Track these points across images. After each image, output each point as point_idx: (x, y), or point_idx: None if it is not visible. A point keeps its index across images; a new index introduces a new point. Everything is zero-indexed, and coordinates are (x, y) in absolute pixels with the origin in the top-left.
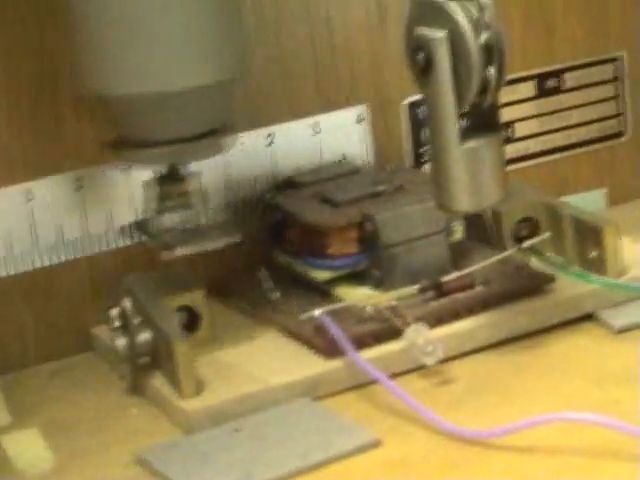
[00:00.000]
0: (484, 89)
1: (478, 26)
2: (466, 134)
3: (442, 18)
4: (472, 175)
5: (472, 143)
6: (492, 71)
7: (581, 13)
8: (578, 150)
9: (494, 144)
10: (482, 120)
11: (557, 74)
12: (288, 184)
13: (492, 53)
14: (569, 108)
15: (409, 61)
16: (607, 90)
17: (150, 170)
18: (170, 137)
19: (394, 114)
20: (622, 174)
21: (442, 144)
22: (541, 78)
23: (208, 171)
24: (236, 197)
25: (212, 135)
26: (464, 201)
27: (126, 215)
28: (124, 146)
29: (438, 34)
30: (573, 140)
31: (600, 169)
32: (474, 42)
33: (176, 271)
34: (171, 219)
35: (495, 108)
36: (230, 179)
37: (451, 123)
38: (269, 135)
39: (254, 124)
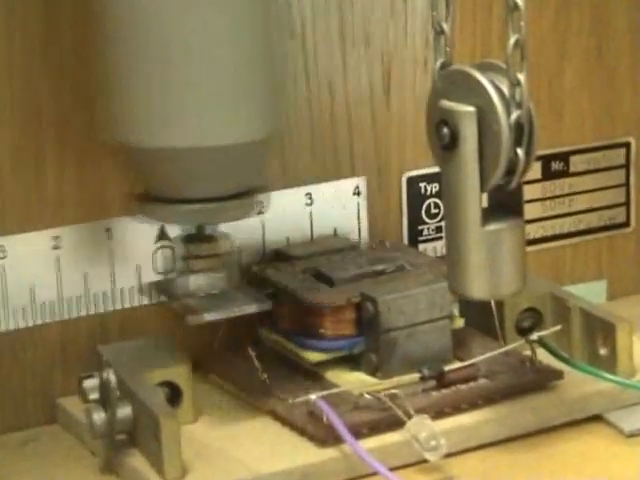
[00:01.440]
0: (510, 171)
1: (509, 103)
2: (488, 216)
3: (471, 92)
4: (491, 260)
5: (494, 226)
6: (520, 152)
7: (590, 95)
8: (580, 238)
9: (516, 229)
10: (505, 203)
11: (564, 157)
12: (278, 256)
13: (522, 133)
14: (575, 193)
15: (430, 135)
16: (616, 176)
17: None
18: (201, 195)
19: (393, 188)
20: (623, 266)
21: (462, 225)
22: (547, 160)
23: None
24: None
25: (245, 195)
26: (481, 287)
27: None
28: (150, 202)
29: (467, 108)
30: (576, 227)
31: (600, 259)
32: (505, 120)
33: (156, 343)
34: (197, 281)
35: (519, 192)
36: None
37: (473, 204)
38: (259, 203)
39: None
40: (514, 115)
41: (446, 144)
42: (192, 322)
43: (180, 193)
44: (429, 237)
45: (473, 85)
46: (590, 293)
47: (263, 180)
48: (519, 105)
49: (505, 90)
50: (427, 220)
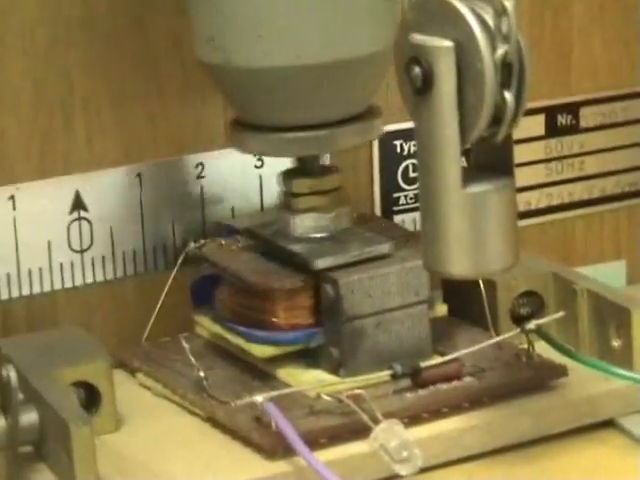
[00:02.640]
0: (496, 119)
1: (494, 37)
2: (470, 176)
3: (447, 24)
4: (475, 229)
5: (477, 187)
6: (509, 97)
7: (604, 33)
8: (594, 208)
9: (505, 191)
10: (491, 160)
11: (573, 109)
12: (220, 230)
13: (511, 73)
14: (587, 153)
15: (400, 77)
16: (635, 133)
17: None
18: (310, 121)
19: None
20: None
21: (437, 187)
22: (552, 112)
23: (115, 207)
24: (151, 243)
25: (362, 119)
26: (462, 263)
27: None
28: (254, 130)
29: (443, 42)
30: (588, 195)
31: (618, 234)
32: (489, 57)
33: (70, 336)
34: (310, 221)
35: (509, 145)
36: (144, 219)
37: (451, 161)
38: (198, 165)
39: (180, 149)
40: (500, 51)
41: (418, 87)
42: (317, 266)
43: (285, 119)
44: (407, 207)
45: (450, 15)
46: (606, 276)
47: (374, 102)
48: (506, 39)
49: (489, 21)
50: (404, 186)
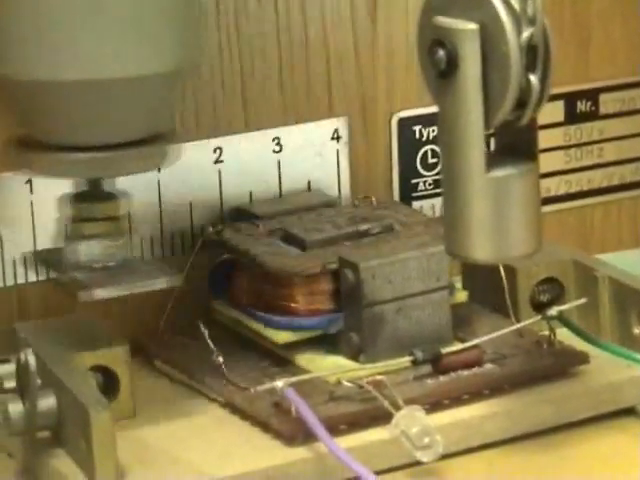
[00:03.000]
0: (521, 103)
1: (520, 19)
2: (493, 160)
3: (472, 6)
4: (498, 214)
5: (500, 172)
6: (534, 80)
7: (624, 19)
8: (613, 195)
9: (529, 176)
10: (515, 144)
11: (592, 95)
12: (238, 215)
13: (536, 56)
14: (606, 140)
15: (422, 60)
16: None
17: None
18: (95, 142)
19: (381, 132)
20: None
21: (460, 171)
22: (571, 99)
23: (133, 191)
24: (169, 228)
25: (151, 143)
26: (485, 248)
27: (25, 243)
28: (32, 149)
29: (468, 25)
30: (608, 182)
31: (637, 222)
32: (514, 40)
33: (87, 321)
34: (90, 250)
35: (533, 129)
36: (162, 204)
37: (475, 144)
38: (217, 149)
39: (198, 134)
40: (526, 34)
41: (442, 70)
42: (83, 299)
43: (68, 138)
44: (426, 193)
45: None
46: (625, 263)
47: (171, 125)
48: (531, 21)
49: (515, 3)
50: (423, 172)
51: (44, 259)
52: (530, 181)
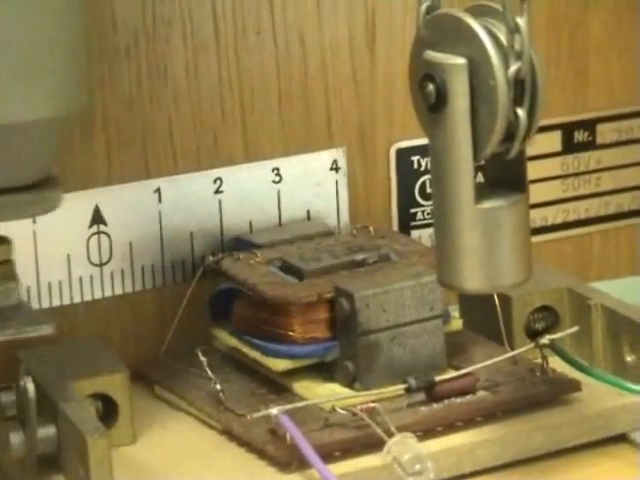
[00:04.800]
0: (509, 136)
1: (507, 54)
2: (483, 192)
3: (461, 41)
4: (488, 244)
5: (490, 203)
6: (522, 113)
7: (620, 50)
8: (610, 224)
9: (518, 207)
10: (504, 176)
11: (589, 125)
12: (238, 244)
13: (523, 90)
14: (603, 169)
15: (414, 94)
16: None
17: None
18: None
19: (380, 162)
20: None
21: (451, 203)
22: (568, 129)
23: (134, 221)
24: (170, 257)
25: (35, 188)
26: (475, 278)
27: None
28: None
29: (457, 60)
30: (605, 211)
31: (634, 250)
32: (502, 74)
33: (88, 348)
34: None
35: (522, 162)
36: (163, 233)
37: (464, 176)
38: (217, 180)
39: (199, 165)
40: (513, 68)
41: (432, 104)
42: None
43: None
44: (424, 222)
45: (464, 32)
46: (623, 291)
47: (52, 172)
48: (519, 56)
49: (502, 38)
50: (421, 201)
51: None
52: (519, 212)
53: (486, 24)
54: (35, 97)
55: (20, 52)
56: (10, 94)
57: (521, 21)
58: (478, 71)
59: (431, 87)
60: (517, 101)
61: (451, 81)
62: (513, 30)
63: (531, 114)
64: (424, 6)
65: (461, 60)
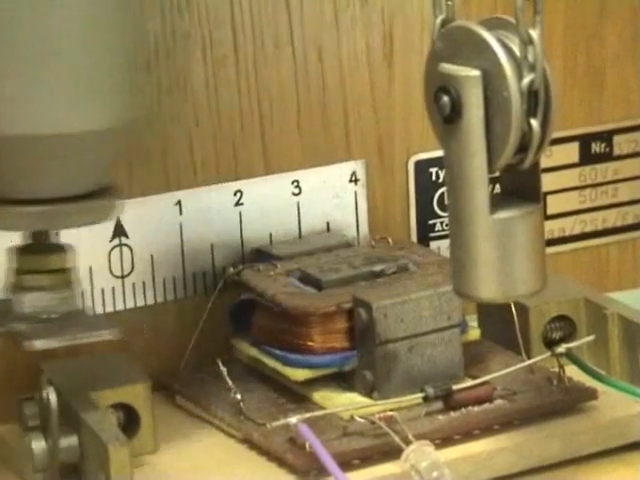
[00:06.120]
0: (523, 147)
1: (521, 66)
2: (498, 203)
3: (475, 53)
4: (503, 254)
5: (505, 214)
6: (535, 124)
7: (637, 61)
8: (628, 234)
9: (533, 217)
10: (518, 186)
11: (606, 136)
12: (258, 256)
13: (537, 101)
14: (621, 180)
15: (429, 105)
16: None
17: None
18: (40, 195)
19: (398, 174)
20: None
21: (466, 213)
22: (586, 140)
23: (155, 234)
24: (191, 269)
25: (95, 197)
26: (490, 287)
27: None
28: None
29: (471, 72)
30: (622, 221)
31: None
32: (515, 86)
33: (111, 359)
34: (34, 302)
35: (536, 172)
36: (184, 246)
37: (479, 187)
38: (237, 192)
39: (219, 178)
40: (526, 79)
41: (447, 116)
42: (27, 348)
43: (12, 192)
44: (442, 233)
45: (478, 45)
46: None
47: (114, 180)
48: (532, 67)
49: (516, 50)
50: (440, 213)
51: None
52: (534, 222)
53: (500, 36)
54: (91, 108)
55: (77, 64)
56: (68, 105)
57: (534, 33)
58: (492, 83)
59: (446, 99)
60: (531, 112)
61: (465, 93)
62: (526, 42)
63: (545, 125)
64: (439, 19)
65: (475, 72)
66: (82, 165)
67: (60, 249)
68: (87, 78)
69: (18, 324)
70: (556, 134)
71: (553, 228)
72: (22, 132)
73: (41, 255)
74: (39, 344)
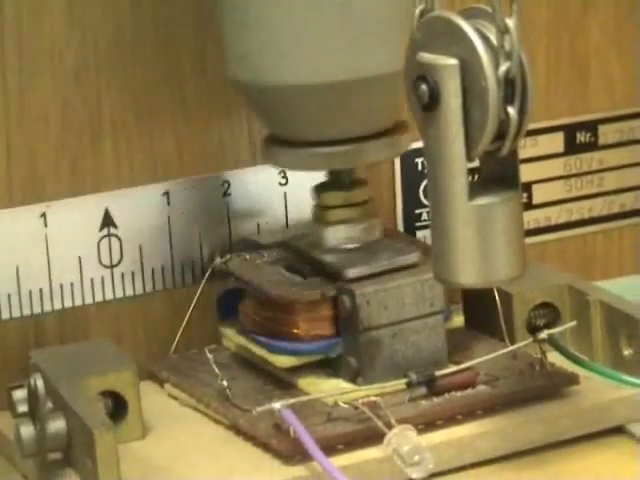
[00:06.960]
0: (501, 134)
1: (497, 54)
2: (476, 189)
3: (453, 42)
4: (482, 240)
5: (483, 200)
6: (512, 112)
7: (621, 52)
8: (613, 223)
9: (511, 203)
10: (497, 173)
11: (591, 126)
12: (246, 245)
13: (514, 89)
14: (606, 169)
15: (408, 94)
16: None
17: None
18: (335, 136)
19: (385, 164)
20: None
21: (445, 200)
22: (571, 130)
23: (144, 224)
24: (179, 258)
25: (386, 135)
26: (469, 272)
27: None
28: (280, 146)
29: (448, 61)
30: (607, 210)
31: (637, 249)
32: (492, 74)
33: (98, 347)
34: (336, 235)
35: (514, 159)
36: (172, 236)
37: (458, 174)
38: (225, 183)
39: (206, 169)
40: (503, 67)
41: (425, 104)
42: (348, 276)
43: (309, 135)
44: (428, 223)
45: (455, 34)
46: (626, 290)
47: (401, 118)
48: (509, 56)
49: (492, 39)
50: (426, 202)
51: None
52: (513, 208)
53: (477, 25)
54: (384, 54)
55: (377, 15)
56: (371, 51)
57: (510, 22)
58: (469, 71)
59: (424, 87)
60: (508, 100)
61: (443, 81)
62: (503, 31)
63: (522, 112)
64: (418, 9)
65: (453, 61)
66: (376, 106)
67: (362, 183)
68: (379, 29)
69: (326, 256)
70: (541, 124)
71: (539, 217)
72: (317, 81)
73: (345, 190)
74: (352, 273)
